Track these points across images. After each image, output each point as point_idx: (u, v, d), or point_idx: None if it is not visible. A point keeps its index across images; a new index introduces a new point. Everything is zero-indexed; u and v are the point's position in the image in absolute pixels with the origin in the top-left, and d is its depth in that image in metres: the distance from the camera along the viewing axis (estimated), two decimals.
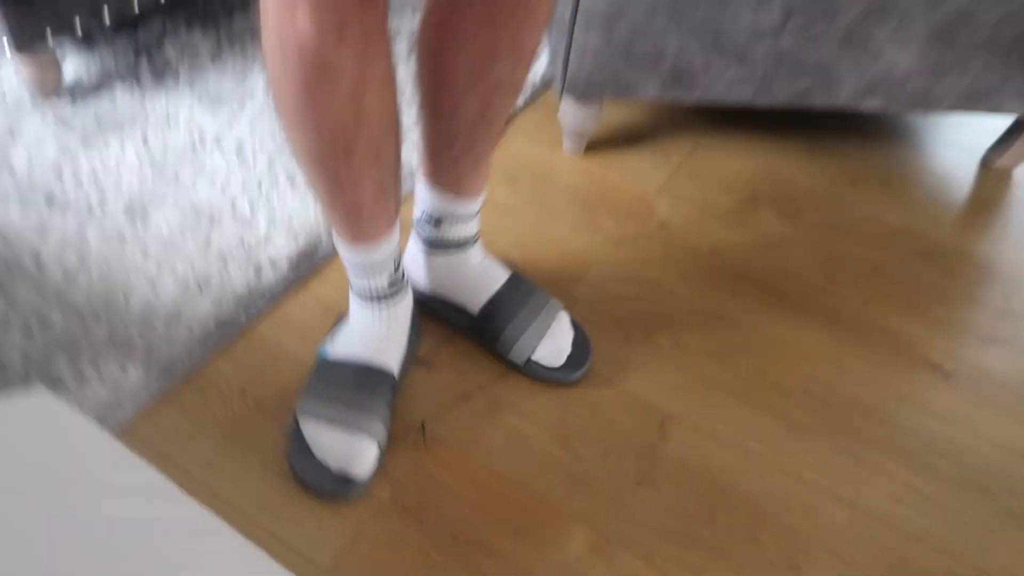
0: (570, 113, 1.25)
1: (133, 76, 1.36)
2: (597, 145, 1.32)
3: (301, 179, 1.15)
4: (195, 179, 1.16)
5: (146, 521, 0.46)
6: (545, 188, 1.23)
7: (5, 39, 1.21)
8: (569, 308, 1.00)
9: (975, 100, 1.20)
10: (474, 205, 0.91)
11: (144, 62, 1.39)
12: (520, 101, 1.37)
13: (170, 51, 1.42)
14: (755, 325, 1.04)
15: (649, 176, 1.26)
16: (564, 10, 1.12)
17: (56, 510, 0.45)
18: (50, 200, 1.11)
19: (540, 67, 1.42)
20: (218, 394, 0.90)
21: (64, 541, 0.42)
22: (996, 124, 1.35)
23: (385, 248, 0.82)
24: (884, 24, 1.10)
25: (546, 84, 1.42)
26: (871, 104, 1.20)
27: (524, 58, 0.77)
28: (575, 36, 1.12)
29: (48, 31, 1.23)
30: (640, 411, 0.93)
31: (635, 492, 0.85)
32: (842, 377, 0.98)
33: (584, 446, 0.89)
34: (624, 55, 1.13)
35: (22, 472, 0.49)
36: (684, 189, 1.25)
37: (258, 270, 1.02)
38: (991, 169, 1.35)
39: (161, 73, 1.37)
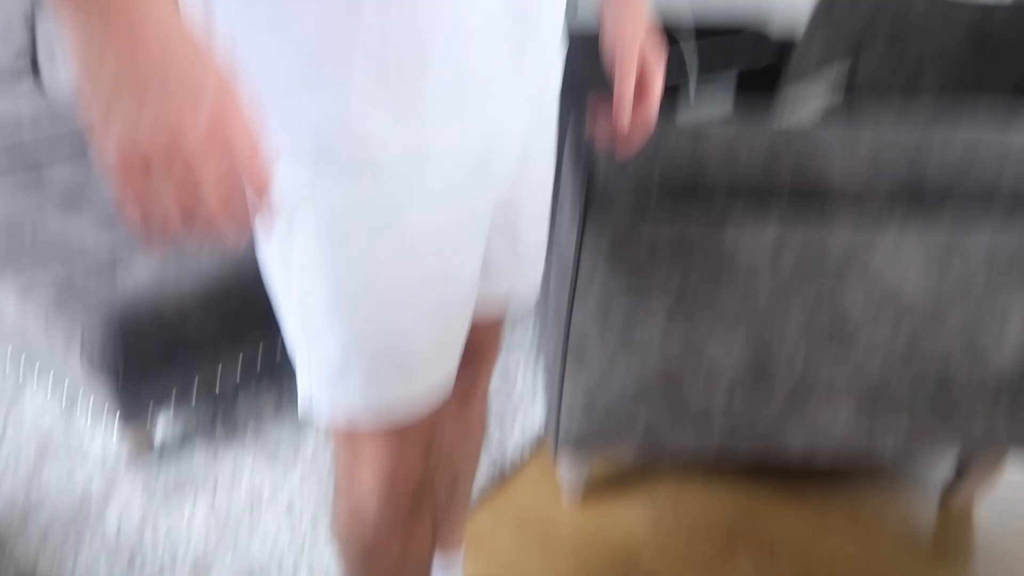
0: (565, 466, 1.48)
1: (209, 433, 1.66)
2: (593, 488, 1.52)
3: None
4: (250, 538, 1.38)
5: None
6: (546, 539, 1.41)
7: (117, 413, 1.52)
8: None
9: (914, 445, 1.39)
10: (459, 553, 1.11)
11: (219, 419, 1.70)
12: (528, 454, 1.61)
13: (240, 408, 1.73)
14: None
15: (637, 524, 1.45)
16: (552, 395, 1.39)
17: None
18: (131, 562, 1.33)
19: (539, 424, 1.68)
20: None
21: None
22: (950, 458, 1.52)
23: None
24: (814, 397, 1.33)
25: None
26: (822, 459, 1.40)
27: (477, 453, 1.08)
28: (562, 417, 1.38)
29: (150, 404, 1.55)
30: None
31: None
32: None
33: None
34: (602, 425, 1.37)
35: None
36: (667, 537, 1.42)
37: None
38: (950, 509, 1.49)
39: (231, 429, 1.67)
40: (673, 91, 1.92)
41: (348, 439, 0.77)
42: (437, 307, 0.70)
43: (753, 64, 1.94)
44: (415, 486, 0.80)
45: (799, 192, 1.12)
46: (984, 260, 1.18)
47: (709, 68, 1.91)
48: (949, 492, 1.51)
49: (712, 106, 1.92)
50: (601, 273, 1.19)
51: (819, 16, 1.71)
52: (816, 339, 1.26)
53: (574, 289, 1.23)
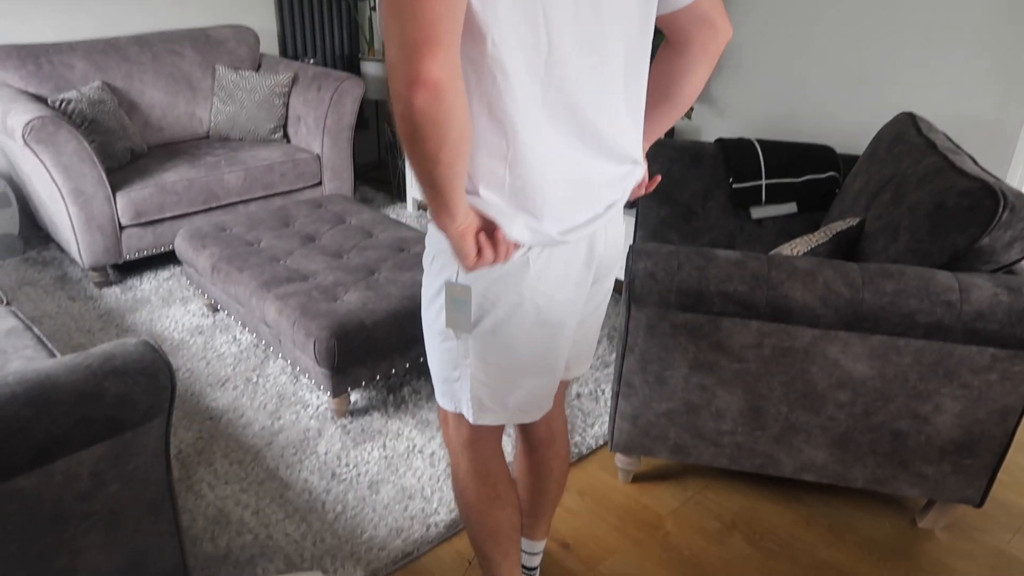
0: (620, 460, 2.11)
1: (385, 405, 2.43)
2: (642, 474, 2.14)
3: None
4: (406, 472, 2.13)
5: None
6: (600, 502, 2.05)
7: (330, 387, 2.32)
8: None
9: (880, 485, 1.90)
10: (543, 542, 1.69)
11: (392, 398, 2.47)
12: (601, 441, 2.25)
13: (406, 392, 2.49)
14: None
15: (666, 502, 2.05)
16: (611, 413, 2.02)
17: None
18: (333, 475, 2.12)
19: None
20: None
21: None
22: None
23: None
24: (797, 435, 1.87)
25: None
26: (808, 477, 1.94)
27: (560, 477, 1.61)
28: (615, 428, 2.00)
29: (350, 384, 2.34)
30: None
31: None
32: None
33: None
34: (642, 438, 1.99)
35: None
36: (688, 514, 2.02)
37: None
38: (916, 527, 1.98)
39: (399, 404, 2.43)
40: (749, 191, 2.46)
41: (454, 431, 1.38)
42: (547, 368, 1.29)
43: (817, 172, 2.43)
44: (493, 477, 1.40)
45: (772, 305, 1.68)
46: (914, 359, 1.68)
47: (779, 173, 2.43)
48: (920, 513, 1.99)
49: (779, 204, 2.44)
50: (641, 340, 1.81)
51: (863, 163, 2.19)
52: (794, 399, 1.80)
53: (624, 348, 1.85)
